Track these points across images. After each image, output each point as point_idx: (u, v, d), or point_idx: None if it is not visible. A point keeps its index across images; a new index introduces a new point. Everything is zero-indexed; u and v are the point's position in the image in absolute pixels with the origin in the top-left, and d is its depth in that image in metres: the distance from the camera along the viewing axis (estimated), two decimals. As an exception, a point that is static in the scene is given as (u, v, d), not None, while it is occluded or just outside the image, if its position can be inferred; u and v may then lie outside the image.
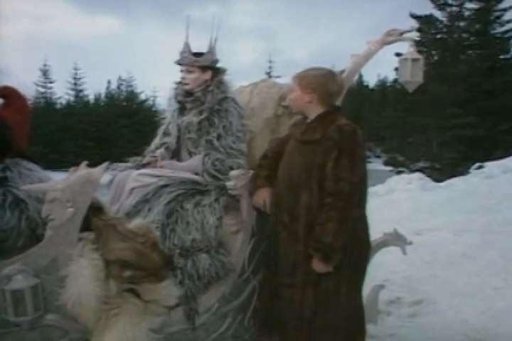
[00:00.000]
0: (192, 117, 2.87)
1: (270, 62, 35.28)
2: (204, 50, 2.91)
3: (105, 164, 2.23)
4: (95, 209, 2.23)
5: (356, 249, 2.38)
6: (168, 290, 2.29)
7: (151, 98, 49.36)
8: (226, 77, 2.97)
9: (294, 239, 2.39)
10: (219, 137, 2.77)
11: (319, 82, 2.44)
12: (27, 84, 43.47)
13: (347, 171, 2.28)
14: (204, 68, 2.88)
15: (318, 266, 2.31)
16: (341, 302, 2.37)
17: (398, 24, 3.17)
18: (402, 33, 2.99)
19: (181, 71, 2.91)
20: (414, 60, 2.95)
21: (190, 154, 2.90)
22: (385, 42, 2.99)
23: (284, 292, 2.42)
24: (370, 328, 3.33)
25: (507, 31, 23.84)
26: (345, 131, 2.34)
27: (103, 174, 2.18)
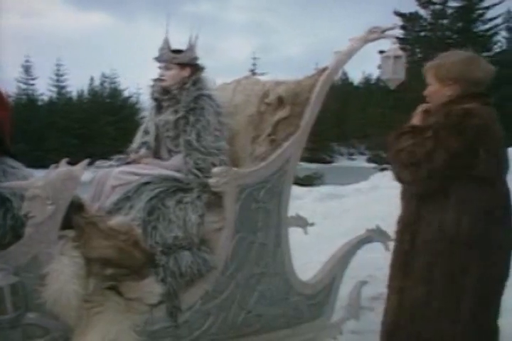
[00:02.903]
0: (168, 116, 2.85)
1: (254, 59, 35.20)
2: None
3: (85, 161, 2.21)
4: (76, 206, 2.22)
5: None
6: (151, 288, 2.27)
7: (135, 95, 49.09)
8: (205, 74, 2.95)
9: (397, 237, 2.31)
10: (198, 137, 2.74)
11: (461, 69, 2.13)
12: (9, 80, 43.03)
13: (424, 153, 2.05)
14: (183, 65, 2.86)
15: None
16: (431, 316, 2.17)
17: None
18: (384, 31, 3.00)
19: (159, 68, 2.88)
20: (397, 57, 2.95)
21: (170, 152, 2.89)
22: (367, 40, 2.99)
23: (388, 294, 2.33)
24: (352, 324, 3.37)
25: (489, 29, 24.11)
26: (451, 116, 2.06)
27: (84, 171, 2.16)
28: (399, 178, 2.24)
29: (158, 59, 2.89)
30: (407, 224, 2.27)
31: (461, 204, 2.10)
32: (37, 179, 2.12)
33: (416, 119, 2.32)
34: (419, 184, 2.14)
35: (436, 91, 2.21)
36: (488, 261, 2.11)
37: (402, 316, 2.22)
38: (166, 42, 2.87)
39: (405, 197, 2.31)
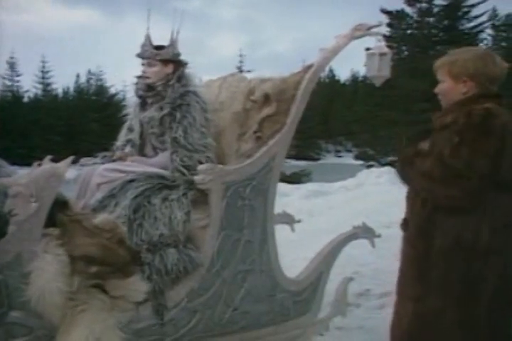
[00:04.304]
0: (153, 112, 2.83)
1: (241, 56, 35.05)
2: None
3: (70, 159, 2.19)
4: (60, 204, 2.20)
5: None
6: (136, 286, 2.26)
7: (121, 92, 48.78)
8: (189, 70, 2.93)
9: (405, 241, 2.20)
10: (185, 134, 2.73)
11: (476, 65, 2.04)
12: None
13: (463, 164, 1.93)
14: (165, 61, 2.84)
15: None
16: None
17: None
18: (369, 28, 3.01)
19: (142, 64, 2.86)
20: (382, 55, 2.96)
21: (155, 149, 2.88)
22: (352, 37, 3.00)
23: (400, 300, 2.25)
24: (339, 320, 3.38)
25: (474, 27, 24.31)
26: (473, 115, 1.95)
27: (68, 168, 2.14)
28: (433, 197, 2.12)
29: (140, 55, 2.86)
30: (420, 229, 2.15)
31: (482, 213, 2.02)
32: (20, 176, 2.10)
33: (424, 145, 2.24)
34: (453, 200, 2.03)
35: (449, 88, 2.13)
36: (505, 272, 2.05)
37: (416, 325, 2.15)
38: (148, 38, 2.84)
39: (415, 201, 2.23)
